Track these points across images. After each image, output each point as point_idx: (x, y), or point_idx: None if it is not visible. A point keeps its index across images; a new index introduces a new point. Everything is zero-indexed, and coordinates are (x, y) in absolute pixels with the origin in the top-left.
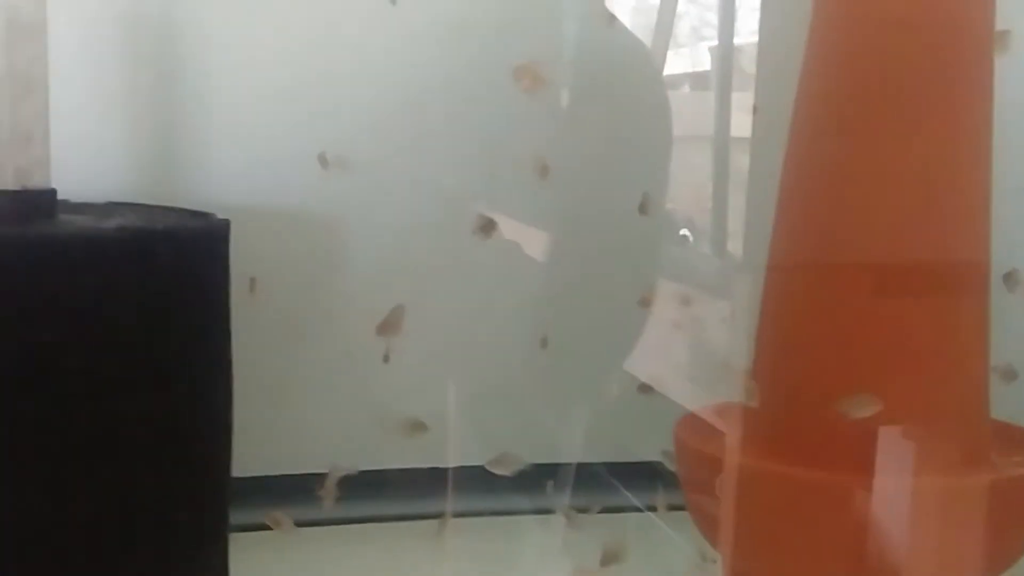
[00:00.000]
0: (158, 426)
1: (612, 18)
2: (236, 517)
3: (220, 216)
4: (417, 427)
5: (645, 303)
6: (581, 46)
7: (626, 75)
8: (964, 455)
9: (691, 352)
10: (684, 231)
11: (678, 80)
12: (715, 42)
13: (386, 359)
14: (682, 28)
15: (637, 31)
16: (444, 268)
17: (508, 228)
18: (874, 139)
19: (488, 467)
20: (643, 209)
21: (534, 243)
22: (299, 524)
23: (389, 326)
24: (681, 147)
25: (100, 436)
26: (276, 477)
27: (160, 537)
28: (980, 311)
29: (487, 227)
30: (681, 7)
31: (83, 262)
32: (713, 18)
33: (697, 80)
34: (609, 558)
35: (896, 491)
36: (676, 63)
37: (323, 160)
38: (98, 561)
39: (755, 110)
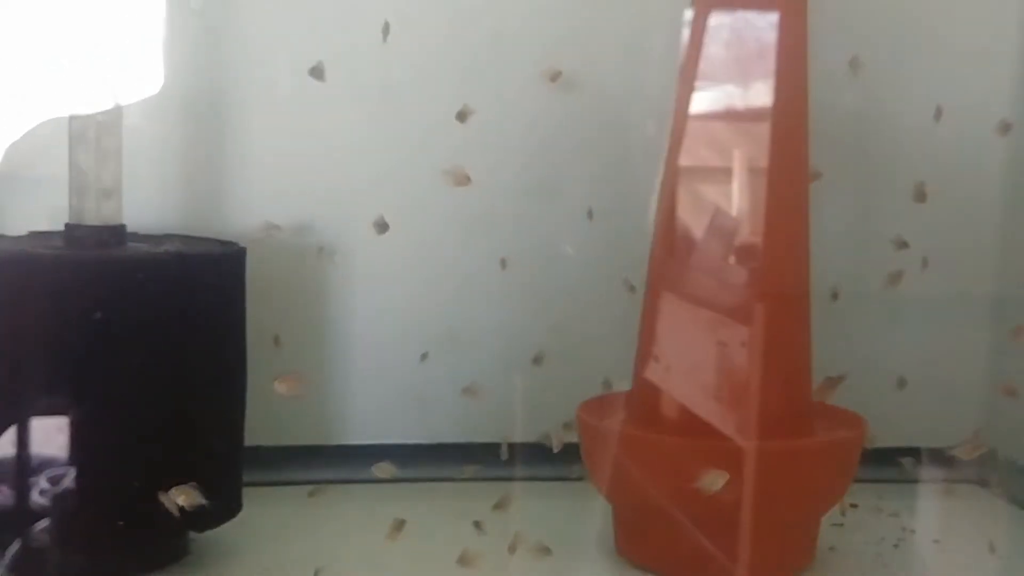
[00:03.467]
0: (195, 392)
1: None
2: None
3: (241, 244)
4: None
5: None
6: None
7: None
8: (794, 426)
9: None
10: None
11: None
12: None
13: None
14: None
15: None
16: None
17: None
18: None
19: None
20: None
21: None
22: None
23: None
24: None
25: (154, 398)
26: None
27: (196, 464)
28: (804, 324)
29: None
30: None
31: (142, 277)
32: None
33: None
34: None
35: (741, 452)
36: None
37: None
38: (160, 474)
39: None
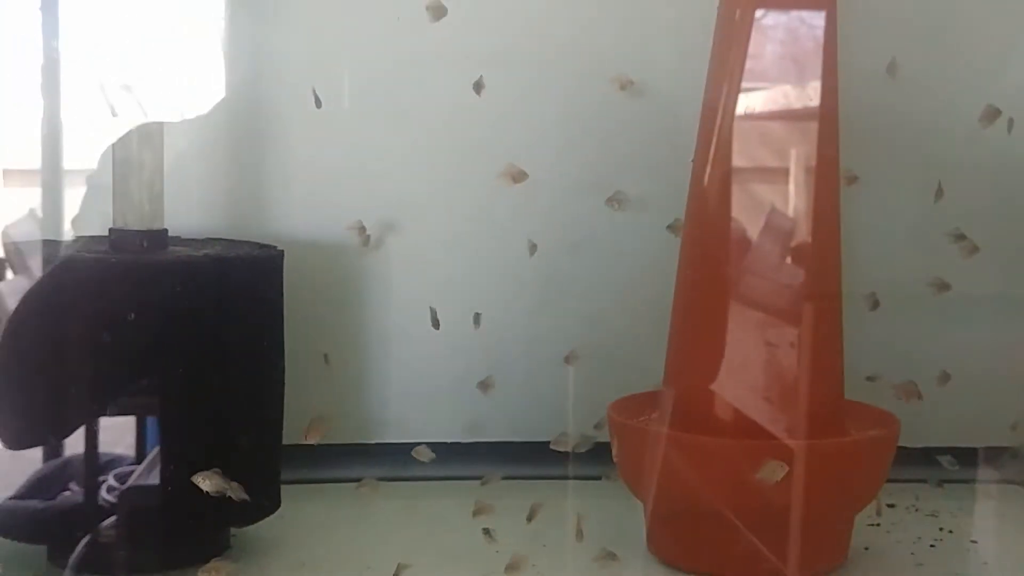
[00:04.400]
0: (233, 391)
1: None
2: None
3: (279, 247)
4: None
5: None
6: None
7: None
8: (826, 425)
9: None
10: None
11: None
12: None
13: None
14: None
15: None
16: None
17: None
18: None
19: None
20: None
21: None
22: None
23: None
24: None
25: (194, 397)
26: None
27: (235, 461)
28: (836, 323)
29: None
30: None
31: (181, 279)
32: None
33: None
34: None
35: (773, 450)
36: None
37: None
38: (199, 471)
39: None
